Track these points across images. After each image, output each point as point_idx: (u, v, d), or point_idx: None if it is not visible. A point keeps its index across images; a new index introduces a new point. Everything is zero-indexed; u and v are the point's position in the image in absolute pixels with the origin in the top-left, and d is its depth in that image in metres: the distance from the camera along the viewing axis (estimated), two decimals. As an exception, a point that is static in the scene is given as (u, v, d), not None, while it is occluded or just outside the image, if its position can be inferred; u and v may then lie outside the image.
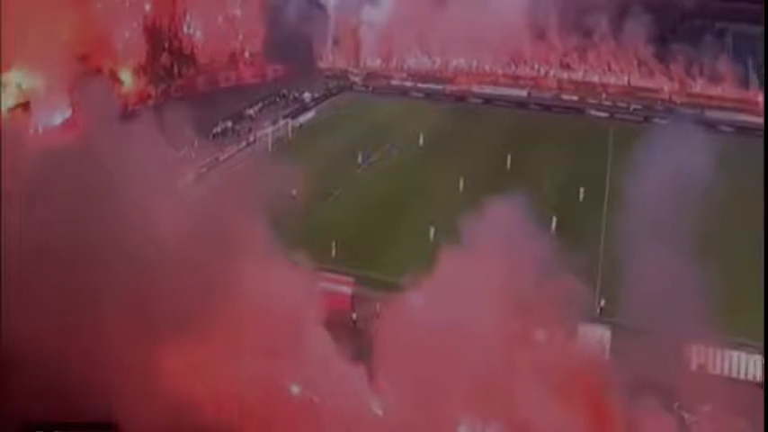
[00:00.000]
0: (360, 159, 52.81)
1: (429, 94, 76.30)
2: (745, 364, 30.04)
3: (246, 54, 76.80)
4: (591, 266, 35.99)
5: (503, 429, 19.75)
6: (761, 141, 64.36)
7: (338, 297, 31.72)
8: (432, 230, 27.27)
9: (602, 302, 33.77)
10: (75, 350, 18.04)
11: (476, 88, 78.19)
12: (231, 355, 19.60)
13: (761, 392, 29.35)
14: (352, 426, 19.56)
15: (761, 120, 70.94)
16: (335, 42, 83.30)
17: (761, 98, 76.31)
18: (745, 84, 77.61)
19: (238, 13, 75.38)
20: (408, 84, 79.17)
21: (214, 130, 56.92)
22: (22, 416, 18.06)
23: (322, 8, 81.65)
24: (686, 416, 25.53)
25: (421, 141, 58.01)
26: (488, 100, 75.10)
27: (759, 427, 25.64)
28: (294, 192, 35.71)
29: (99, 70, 57.81)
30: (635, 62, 79.69)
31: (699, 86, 78.08)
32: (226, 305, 19.32)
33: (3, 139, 22.64)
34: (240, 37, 75.70)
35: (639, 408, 22.31)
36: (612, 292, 32.78)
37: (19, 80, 51.97)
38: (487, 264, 20.28)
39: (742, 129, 67.02)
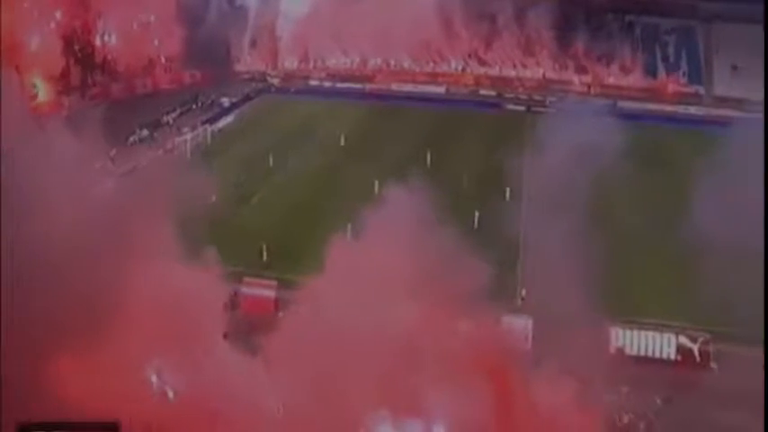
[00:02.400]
0: (272, 163, 52.56)
1: (348, 94, 76.58)
2: (660, 344, 31.17)
3: (163, 60, 75.68)
4: (511, 257, 36.87)
5: (411, 422, 20.08)
6: (670, 128, 67.39)
7: (262, 300, 31.79)
8: (349, 229, 27.56)
9: (524, 292, 34.48)
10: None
11: (395, 86, 78.89)
12: (132, 359, 19.48)
13: (675, 371, 30.75)
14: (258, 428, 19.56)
15: (669, 108, 74.25)
16: (253, 44, 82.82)
17: (671, 87, 79.40)
18: (653, 74, 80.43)
19: (153, 18, 74.19)
20: (327, 84, 79.37)
21: (131, 139, 55.87)
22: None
23: (238, 10, 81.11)
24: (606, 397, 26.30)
25: (342, 141, 58.27)
26: (408, 98, 75.80)
27: (673, 403, 26.94)
28: (214, 197, 35.54)
29: (10, 78, 56.08)
30: (549, 56, 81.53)
31: (612, 78, 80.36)
32: (129, 310, 19.21)
33: None
34: (156, 43, 74.49)
35: (560, 395, 22.76)
36: (533, 282, 33.64)
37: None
38: (395, 257, 20.57)
39: (652, 117, 69.30)
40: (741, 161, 28.15)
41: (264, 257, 37.07)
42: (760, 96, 32.06)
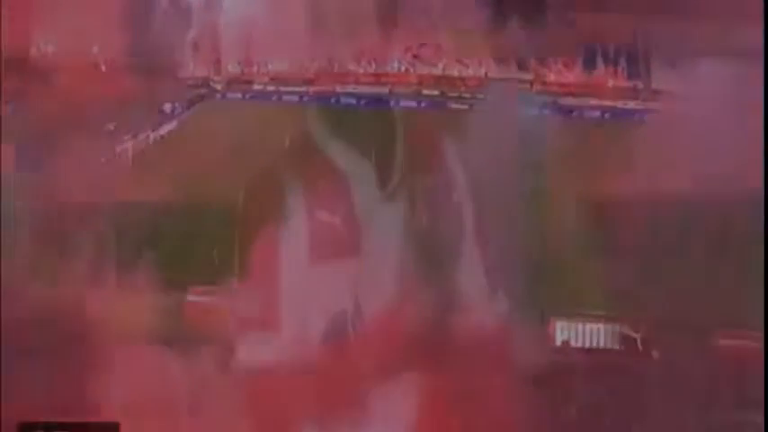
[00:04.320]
0: (217, 168, 52.09)
1: (292, 97, 76.32)
2: (603, 335, 31.78)
3: (102, 66, 74.36)
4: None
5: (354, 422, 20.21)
6: (610, 122, 68.58)
7: (207, 308, 31.59)
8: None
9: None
10: None
11: (338, 88, 78.71)
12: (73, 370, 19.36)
13: (618, 360, 31.35)
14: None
15: (609, 102, 75.59)
16: (195, 49, 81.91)
17: (610, 82, 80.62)
18: (592, 70, 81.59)
19: (92, 23, 72.80)
20: (271, 88, 78.88)
21: (72, 148, 54.83)
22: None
23: (180, 15, 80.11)
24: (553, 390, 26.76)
25: (286, 145, 58.02)
26: (352, 99, 75.82)
27: (618, 393, 27.49)
28: (158, 205, 35.17)
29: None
30: (491, 54, 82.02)
31: (552, 75, 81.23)
32: (64, 322, 19.09)
33: None
34: (95, 49, 73.14)
35: (506, 389, 23.06)
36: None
37: None
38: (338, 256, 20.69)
39: (592, 112, 70.68)
40: (672, 150, 28.87)
41: (216, 264, 36.81)
42: (693, 89, 32.96)
